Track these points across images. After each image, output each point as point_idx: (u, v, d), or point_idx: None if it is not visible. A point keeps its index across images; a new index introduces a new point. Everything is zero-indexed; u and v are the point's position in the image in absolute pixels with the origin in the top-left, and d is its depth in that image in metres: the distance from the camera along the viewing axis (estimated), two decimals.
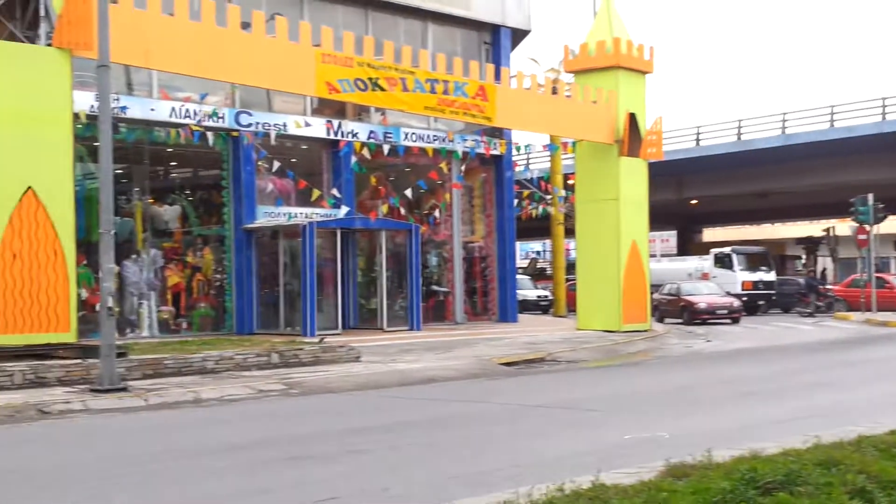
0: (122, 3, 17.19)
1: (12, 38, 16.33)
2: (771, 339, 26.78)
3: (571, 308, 32.17)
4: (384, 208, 26.88)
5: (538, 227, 42.82)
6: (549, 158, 36.62)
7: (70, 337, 16.30)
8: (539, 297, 41.81)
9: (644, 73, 27.50)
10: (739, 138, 45.61)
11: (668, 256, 55.50)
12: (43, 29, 16.61)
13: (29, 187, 16.01)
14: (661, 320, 33.91)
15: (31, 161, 16.09)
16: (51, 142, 16.31)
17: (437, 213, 28.87)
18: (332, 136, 26.17)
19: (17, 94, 15.97)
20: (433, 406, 13.47)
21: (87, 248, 20.72)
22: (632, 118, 26.84)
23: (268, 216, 24.96)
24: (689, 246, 61.54)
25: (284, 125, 24.67)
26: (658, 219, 35.70)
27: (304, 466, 8.89)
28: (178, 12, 18.26)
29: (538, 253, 75.12)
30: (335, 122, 26.20)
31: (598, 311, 26.45)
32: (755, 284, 42.21)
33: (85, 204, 20.98)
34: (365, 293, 27.33)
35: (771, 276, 43.19)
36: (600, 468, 7.30)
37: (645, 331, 26.42)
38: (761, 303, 42.31)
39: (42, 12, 16.55)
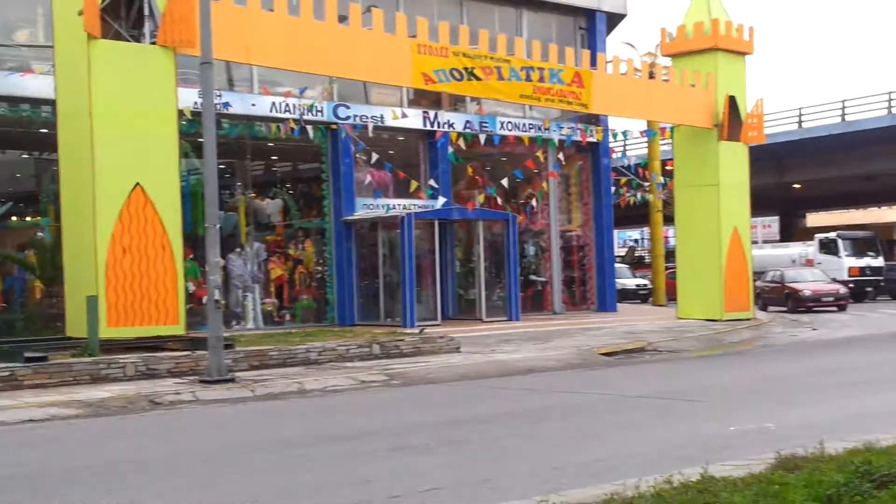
0: (223, 0, 17.52)
1: (118, 37, 16.71)
2: (879, 327, 26.10)
3: (671, 297, 31.80)
4: (481, 198, 26.92)
5: (636, 215, 42.40)
6: (646, 144, 36.23)
7: (179, 329, 16.69)
8: (638, 285, 41.43)
9: (744, 54, 26.94)
10: (844, 119, 44.41)
11: (771, 242, 54.44)
12: (147, 28, 16.95)
13: (137, 183, 16.39)
14: (764, 308, 33.29)
15: (139, 158, 16.46)
16: (157, 138, 16.67)
17: (533, 203, 28.79)
18: (428, 127, 26.29)
19: (123, 93, 16.35)
20: (534, 397, 13.47)
21: (192, 242, 21.23)
22: (731, 101, 26.36)
23: (366, 208, 25.22)
24: (792, 231, 60.24)
25: (381, 117, 24.88)
26: (759, 204, 34.97)
27: (406, 457, 8.97)
28: (277, 8, 18.53)
29: (636, 241, 74.37)
30: (431, 113, 26.32)
31: (699, 300, 26.08)
32: (862, 270, 41.16)
33: (190, 199, 21.47)
34: (463, 283, 27.42)
35: (879, 262, 42.05)
36: (707, 460, 7.22)
37: (748, 319, 25.96)
38: (869, 289, 41.23)
39: (146, 11, 16.89)
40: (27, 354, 14.51)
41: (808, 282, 34.76)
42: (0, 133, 21.90)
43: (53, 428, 11.37)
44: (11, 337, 18.72)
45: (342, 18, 20.03)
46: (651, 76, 25.94)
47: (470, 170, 27.22)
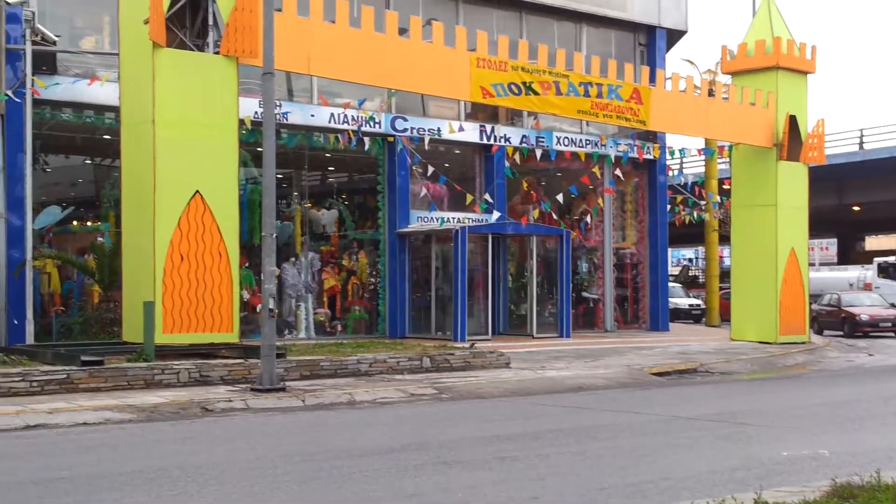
0: (286, 11, 17.72)
1: (182, 45, 16.96)
2: None
3: (725, 317, 31.51)
4: (535, 213, 26.89)
5: (691, 234, 42.06)
6: (703, 163, 35.95)
7: (233, 337, 16.85)
8: (691, 305, 41.09)
9: (805, 73, 26.68)
10: None
11: (828, 265, 53.73)
12: (211, 37, 17.17)
13: (197, 191, 16.58)
14: (819, 332, 32.85)
15: (199, 165, 16.67)
16: (218, 147, 16.88)
17: (588, 219, 28.69)
18: (484, 141, 26.33)
19: (186, 101, 16.58)
20: (583, 415, 13.41)
21: (248, 250, 21.45)
22: (792, 120, 26.11)
23: (421, 221, 25.31)
24: (850, 254, 59.39)
25: (438, 130, 24.96)
26: (817, 226, 34.57)
27: (453, 472, 8.97)
28: (339, 19, 18.70)
29: (690, 260, 73.78)
30: (488, 127, 26.36)
31: (753, 322, 25.81)
32: None
33: (247, 207, 21.70)
34: (515, 299, 27.40)
35: None
36: (760, 485, 7.14)
37: (803, 343, 25.64)
38: None
39: (211, 21, 17.13)
40: (83, 358, 14.74)
41: (866, 306, 34.23)
42: (64, 139, 22.30)
43: (107, 432, 11.54)
44: (69, 340, 19.09)
45: (402, 31, 20.18)
46: (710, 94, 25.77)
47: (525, 184, 27.21)
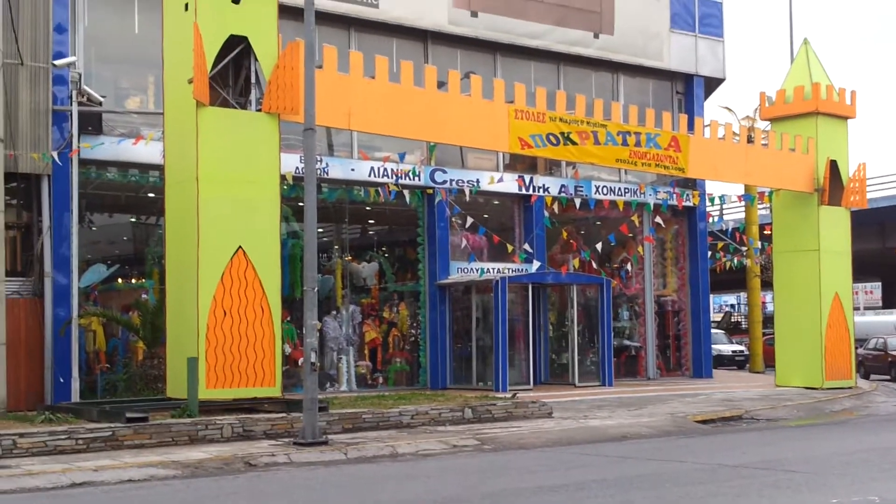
0: (326, 68, 18.01)
1: (225, 104, 17.27)
2: None
3: (769, 363, 31.23)
4: (575, 262, 26.87)
5: (732, 280, 41.75)
6: (744, 209, 35.81)
7: (275, 391, 16.94)
8: (734, 351, 40.70)
9: (846, 118, 26.62)
10: None
11: (873, 309, 53.09)
12: (253, 95, 17.48)
13: (239, 246, 16.77)
14: (866, 377, 32.41)
15: (242, 221, 16.87)
16: (260, 203, 17.09)
17: (628, 267, 28.65)
18: (523, 191, 26.44)
19: (229, 158, 16.84)
20: (627, 464, 13.31)
21: (290, 304, 21.59)
22: (833, 165, 26.02)
23: (461, 271, 25.38)
24: (894, 298, 58.61)
25: (478, 181, 25.10)
26: (861, 269, 34.24)
27: None
28: (379, 75, 18.97)
29: (732, 306, 73.20)
30: (527, 177, 26.48)
31: (798, 367, 25.55)
32: None
33: (289, 262, 21.90)
34: (556, 348, 27.32)
35: None
36: None
37: (849, 388, 25.33)
38: None
39: (253, 79, 17.45)
40: (128, 415, 14.87)
41: None
42: (109, 197, 22.69)
43: (152, 489, 11.61)
44: (114, 397, 19.27)
45: (441, 84, 20.42)
46: (749, 140, 25.76)
47: (564, 234, 27.25)
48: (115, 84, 22.43)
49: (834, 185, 26.04)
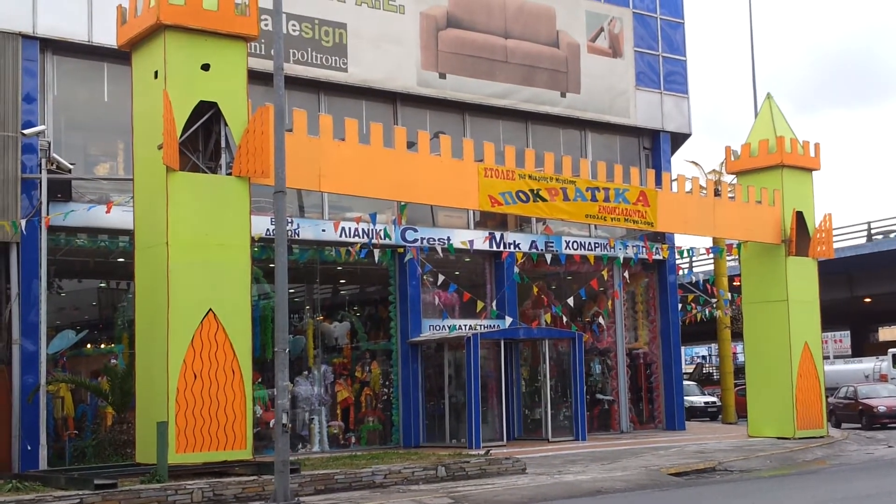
0: (296, 131, 18.17)
1: (195, 168, 17.34)
2: None
3: (741, 414, 31.31)
4: (547, 317, 26.98)
5: (703, 331, 42.06)
6: (712, 261, 36.12)
7: (246, 454, 16.80)
8: (707, 402, 40.79)
9: (810, 170, 27.00)
10: None
11: (843, 357, 53.47)
12: (223, 159, 17.56)
13: (210, 309, 16.77)
14: (837, 425, 32.58)
15: (213, 284, 16.85)
16: (231, 265, 17.08)
17: (600, 321, 28.77)
18: (494, 248, 26.59)
19: (199, 222, 16.86)
20: None
21: (260, 365, 21.51)
22: (799, 217, 26.35)
23: (433, 329, 25.41)
24: (863, 346, 59.13)
25: (448, 239, 25.23)
26: (829, 318, 34.52)
27: None
28: (349, 137, 19.13)
29: (704, 357, 73.47)
30: (497, 234, 26.65)
31: (770, 417, 25.66)
32: None
33: (260, 323, 21.85)
34: (529, 403, 27.30)
35: None
36: None
37: (821, 437, 25.44)
38: None
39: (223, 144, 17.56)
40: (97, 482, 14.69)
41: (883, 397, 33.98)
42: (78, 263, 22.63)
43: None
44: (82, 464, 19.04)
45: (411, 144, 20.62)
46: (717, 193, 26.10)
47: (535, 289, 27.37)
48: (84, 151, 22.51)
49: (801, 236, 26.34)
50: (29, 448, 18.97)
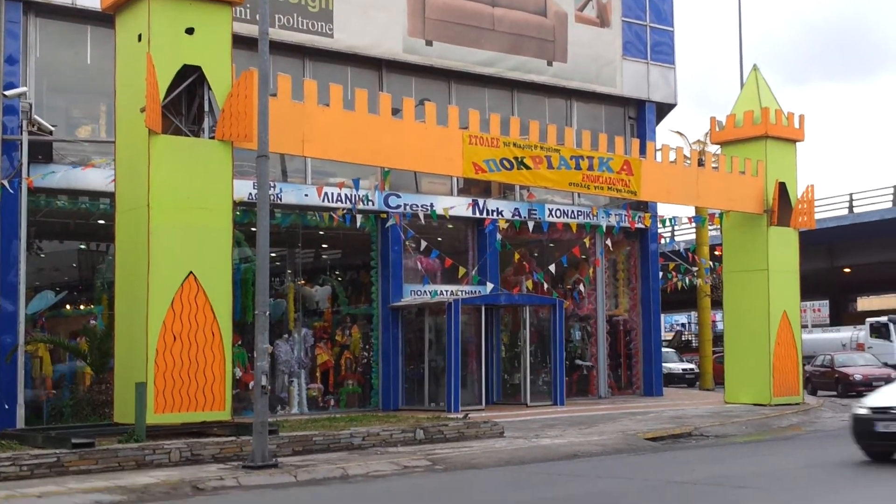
0: (281, 96, 18.12)
1: (177, 131, 17.28)
2: None
3: (718, 381, 31.61)
4: (528, 284, 27.10)
5: (683, 300, 42.21)
6: (695, 230, 36.30)
7: (225, 415, 16.88)
8: (685, 370, 41.08)
9: (794, 141, 27.11)
10: (895, 204, 44.19)
11: (821, 327, 53.86)
12: (207, 123, 17.53)
13: (190, 272, 16.76)
14: (813, 393, 32.91)
15: (194, 247, 16.86)
16: (212, 229, 17.08)
17: (581, 288, 28.92)
18: (477, 215, 26.64)
19: (181, 185, 16.84)
20: (577, 483, 13.47)
21: (241, 328, 21.58)
22: (782, 187, 26.47)
23: (414, 294, 25.50)
24: (842, 316, 59.52)
25: (431, 205, 25.26)
26: (809, 288, 34.78)
27: None
28: (333, 103, 19.09)
29: (683, 325, 73.85)
30: (480, 201, 26.69)
31: (747, 384, 25.93)
32: None
33: (241, 286, 21.88)
34: (508, 368, 27.48)
35: None
36: None
37: (797, 404, 25.73)
38: None
39: (206, 107, 17.51)
40: (74, 440, 14.77)
41: (859, 366, 34.33)
42: (59, 225, 22.61)
43: None
44: (60, 423, 19.10)
45: (396, 111, 20.58)
46: (700, 164, 26.14)
47: (517, 256, 27.48)
48: (66, 113, 22.41)
49: (783, 207, 26.48)
50: (6, 407, 19.01)
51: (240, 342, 21.91)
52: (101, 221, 21.64)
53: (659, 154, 25.89)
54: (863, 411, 15.13)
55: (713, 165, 27.62)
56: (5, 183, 19.29)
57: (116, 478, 13.66)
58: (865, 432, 14.92)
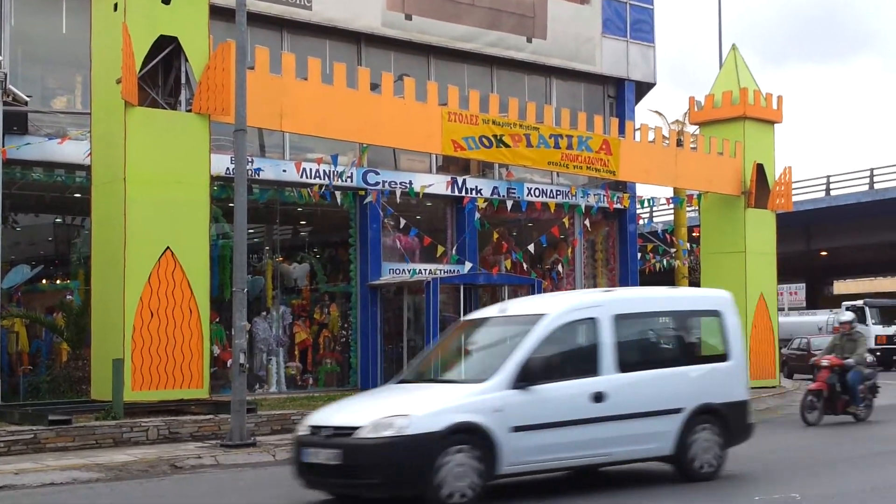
0: (258, 69, 17.88)
1: (154, 104, 17.06)
2: None
3: None
4: (507, 263, 27.02)
5: (661, 281, 42.22)
6: (673, 211, 36.32)
7: (203, 393, 16.76)
8: None
9: (772, 122, 27.11)
10: (872, 187, 44.41)
11: (797, 310, 54.09)
12: (183, 95, 17.30)
13: (167, 247, 16.61)
14: (789, 376, 33.02)
15: (170, 222, 16.68)
16: (189, 203, 16.90)
17: (559, 268, 28.87)
18: (456, 193, 26.50)
19: (158, 159, 16.61)
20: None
21: (219, 305, 21.40)
22: (759, 169, 26.49)
23: (392, 273, 25.37)
24: (818, 299, 59.83)
25: (410, 183, 25.11)
26: (786, 271, 34.88)
27: None
28: (312, 77, 18.88)
29: None
30: (459, 179, 26.55)
31: None
32: (890, 338, 40.67)
33: (218, 262, 21.70)
34: None
35: None
36: None
37: (773, 387, 25.80)
38: None
39: (183, 80, 17.28)
40: (51, 417, 14.64)
41: None
42: (34, 198, 22.29)
43: (74, 492, 11.47)
44: (37, 400, 18.90)
45: (374, 86, 20.40)
46: (679, 144, 26.11)
47: (496, 235, 27.38)
48: (41, 84, 22.06)
49: (760, 189, 26.50)
50: None
51: (217, 319, 21.72)
52: (78, 195, 21.34)
53: (638, 134, 25.89)
54: (303, 432, 10.89)
55: (692, 146, 27.61)
56: None
57: (94, 455, 13.55)
58: (296, 461, 10.77)
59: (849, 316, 19.65)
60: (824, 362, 18.60)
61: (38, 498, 11.08)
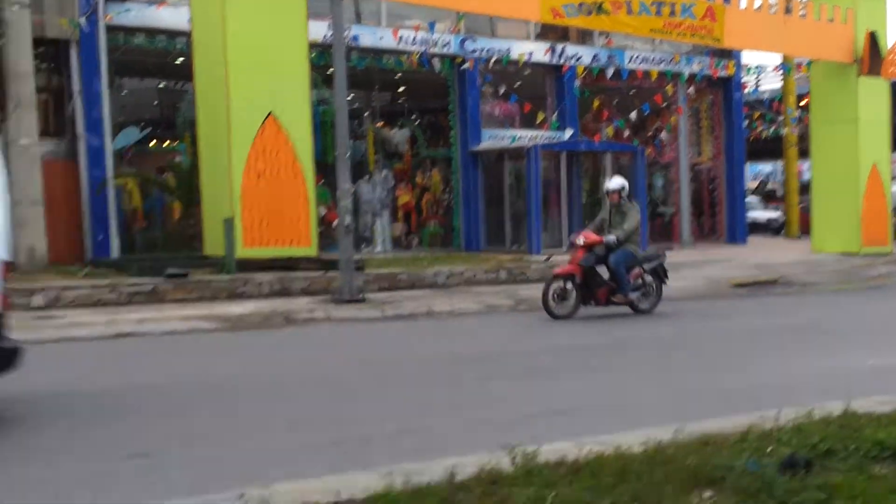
0: None
1: None
2: None
3: (804, 230, 31.08)
4: (609, 131, 26.57)
5: (769, 149, 41.31)
6: (780, 79, 35.18)
7: (311, 251, 17.00)
8: (769, 218, 40.33)
9: None
10: None
11: None
12: None
13: (270, 112, 16.67)
14: None
15: (272, 88, 16.65)
16: (289, 69, 16.84)
17: (662, 136, 28.31)
18: (555, 61, 25.96)
19: (257, 24, 16.53)
20: (664, 325, 13.33)
21: (323, 168, 21.55)
22: (872, 36, 25.36)
23: (493, 139, 25.17)
24: None
25: (508, 50, 24.65)
26: None
27: (537, 379, 8.94)
28: None
29: (768, 175, 72.55)
30: (559, 47, 25.95)
31: (834, 234, 25.39)
32: None
33: (320, 128, 21.77)
34: (589, 214, 27.12)
35: None
36: (849, 394, 6.83)
37: (886, 254, 25.21)
38: None
39: None
40: (169, 271, 15.03)
41: None
42: (138, 63, 22.45)
43: (197, 340, 11.80)
44: (153, 253, 19.45)
45: None
46: (787, 11, 25.02)
47: (596, 103, 26.85)
48: None
49: (873, 57, 25.41)
50: (101, 237, 19.33)
51: (322, 181, 21.90)
52: (180, 60, 21.45)
53: (744, 0, 24.82)
54: None
55: (800, 13, 26.42)
56: (83, 21, 19.09)
57: (211, 307, 13.91)
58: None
59: (617, 183, 14.43)
60: (579, 240, 13.98)
61: (163, 344, 11.43)
